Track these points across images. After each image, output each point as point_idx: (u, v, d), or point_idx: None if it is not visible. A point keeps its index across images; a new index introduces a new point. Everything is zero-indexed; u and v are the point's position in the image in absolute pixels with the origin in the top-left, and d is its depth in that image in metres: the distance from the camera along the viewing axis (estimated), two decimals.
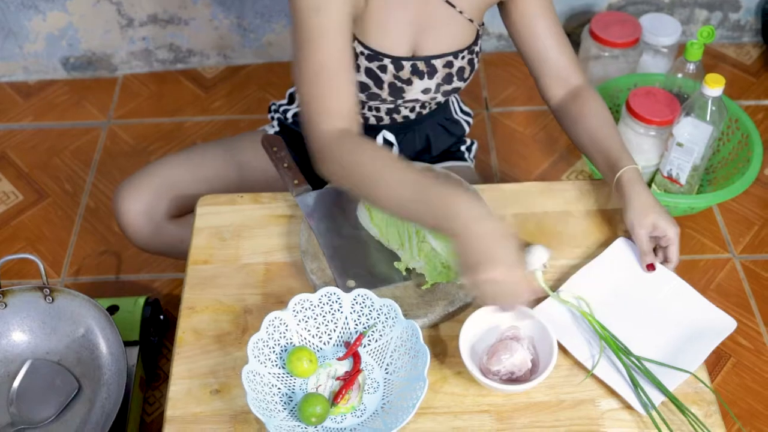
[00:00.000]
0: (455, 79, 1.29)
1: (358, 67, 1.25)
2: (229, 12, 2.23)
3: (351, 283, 1.12)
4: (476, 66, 1.32)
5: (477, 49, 1.30)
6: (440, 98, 1.34)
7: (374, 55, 1.23)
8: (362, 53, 1.23)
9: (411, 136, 1.43)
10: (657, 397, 1.01)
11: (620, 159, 1.17)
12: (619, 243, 1.17)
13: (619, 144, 1.20)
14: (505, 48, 2.38)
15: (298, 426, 0.98)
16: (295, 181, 1.25)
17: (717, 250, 1.87)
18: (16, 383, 1.28)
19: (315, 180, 1.39)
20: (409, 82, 1.27)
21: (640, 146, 1.86)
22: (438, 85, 1.29)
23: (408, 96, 1.30)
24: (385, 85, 1.27)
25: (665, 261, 1.15)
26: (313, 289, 1.13)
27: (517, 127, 2.17)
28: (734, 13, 2.32)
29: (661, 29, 2.10)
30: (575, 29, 2.34)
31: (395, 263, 1.12)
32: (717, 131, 1.71)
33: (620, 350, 1.04)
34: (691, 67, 1.83)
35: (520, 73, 2.32)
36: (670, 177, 1.82)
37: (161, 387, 1.62)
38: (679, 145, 1.75)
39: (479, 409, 1.02)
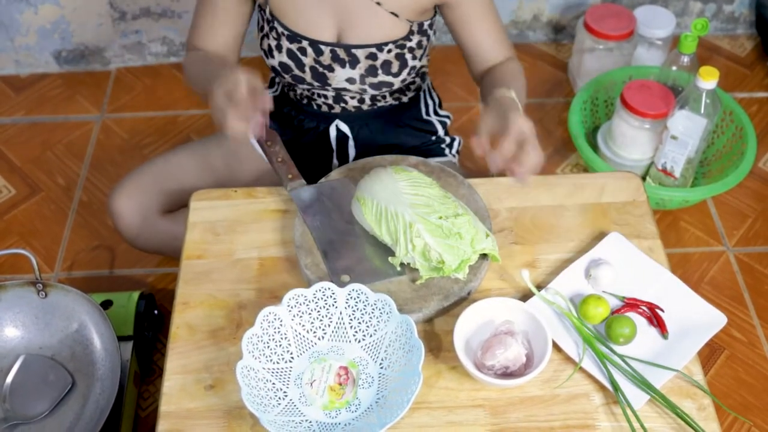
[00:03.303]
0: (380, 72, 1.30)
1: (280, 47, 1.29)
2: None
3: (345, 278, 1.11)
4: (410, 63, 1.32)
5: (411, 44, 1.29)
6: (371, 91, 1.34)
7: (293, 36, 1.27)
8: (283, 33, 1.28)
9: (368, 129, 1.44)
10: (645, 394, 1.01)
11: (500, 88, 1.16)
12: (612, 237, 1.16)
13: (509, 84, 1.19)
14: None
15: (292, 421, 0.98)
16: (290, 176, 1.24)
17: (711, 243, 1.87)
18: (9, 378, 1.28)
19: (310, 174, 1.39)
20: (330, 68, 1.30)
21: (635, 139, 1.86)
22: (362, 76, 1.30)
23: (333, 83, 1.32)
24: (307, 69, 1.30)
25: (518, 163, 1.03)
26: (308, 284, 1.13)
27: None
28: (728, 4, 2.32)
29: (656, 21, 2.10)
30: (570, 21, 2.33)
31: (389, 258, 1.12)
32: (711, 124, 1.71)
33: (603, 355, 1.04)
34: (686, 59, 1.82)
35: None
36: (664, 170, 1.83)
37: (156, 382, 1.62)
38: (674, 138, 1.75)
39: (474, 404, 1.02)
